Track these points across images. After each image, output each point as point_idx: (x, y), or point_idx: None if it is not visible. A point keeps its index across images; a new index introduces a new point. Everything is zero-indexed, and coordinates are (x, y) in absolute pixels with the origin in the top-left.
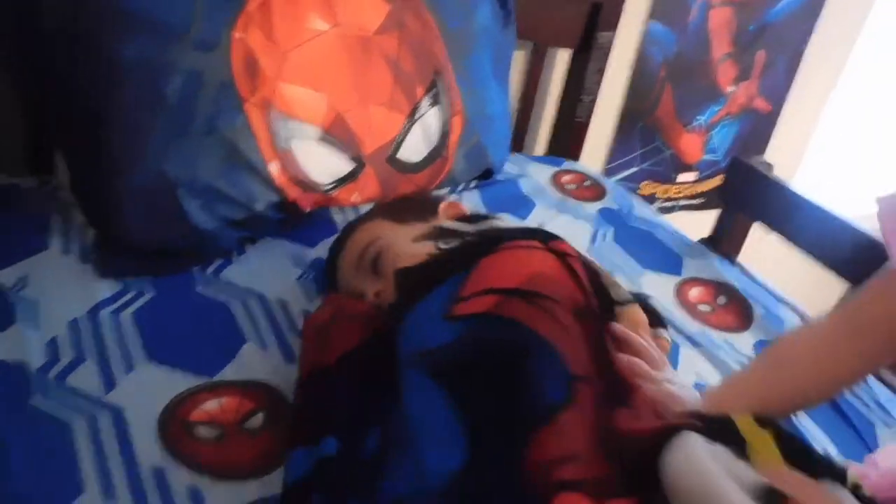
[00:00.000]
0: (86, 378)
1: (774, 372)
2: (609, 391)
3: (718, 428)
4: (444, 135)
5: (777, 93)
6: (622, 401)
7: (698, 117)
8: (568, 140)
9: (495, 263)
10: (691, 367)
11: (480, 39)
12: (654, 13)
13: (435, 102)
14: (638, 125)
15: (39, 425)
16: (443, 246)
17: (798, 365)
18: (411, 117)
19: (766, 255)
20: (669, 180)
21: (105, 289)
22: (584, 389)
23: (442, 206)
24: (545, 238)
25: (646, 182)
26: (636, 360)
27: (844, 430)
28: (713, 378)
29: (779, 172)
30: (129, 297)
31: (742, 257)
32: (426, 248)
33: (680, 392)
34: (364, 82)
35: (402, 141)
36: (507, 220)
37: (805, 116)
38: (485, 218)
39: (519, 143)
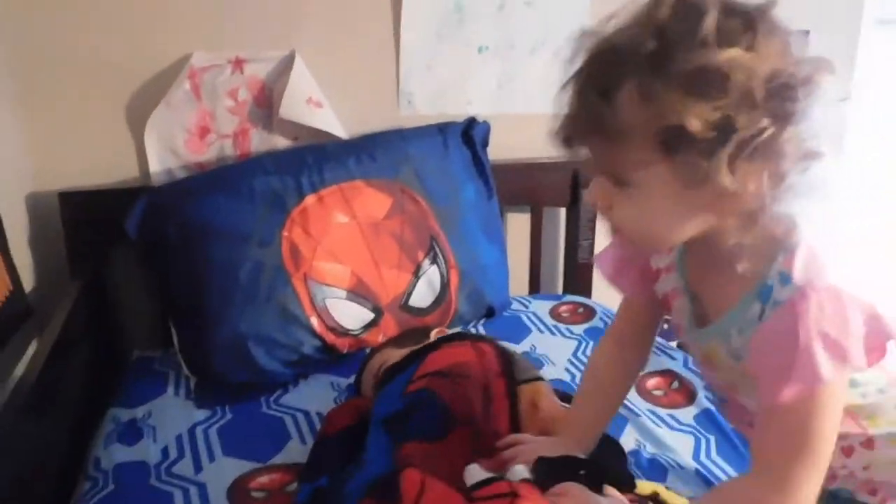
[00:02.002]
0: (183, 467)
1: (598, 386)
2: (484, 434)
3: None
4: (445, 285)
5: None
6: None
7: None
8: (578, 279)
9: (435, 356)
10: (632, 436)
11: (467, 211)
12: None
13: (433, 262)
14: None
15: (154, 496)
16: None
17: (608, 378)
18: (416, 274)
19: None
20: None
21: (200, 414)
22: (460, 430)
23: (433, 332)
24: (474, 339)
25: None
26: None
27: None
28: (649, 443)
29: None
30: (215, 419)
31: None
32: (403, 353)
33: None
34: (377, 253)
35: (411, 292)
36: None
37: None
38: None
39: (535, 285)
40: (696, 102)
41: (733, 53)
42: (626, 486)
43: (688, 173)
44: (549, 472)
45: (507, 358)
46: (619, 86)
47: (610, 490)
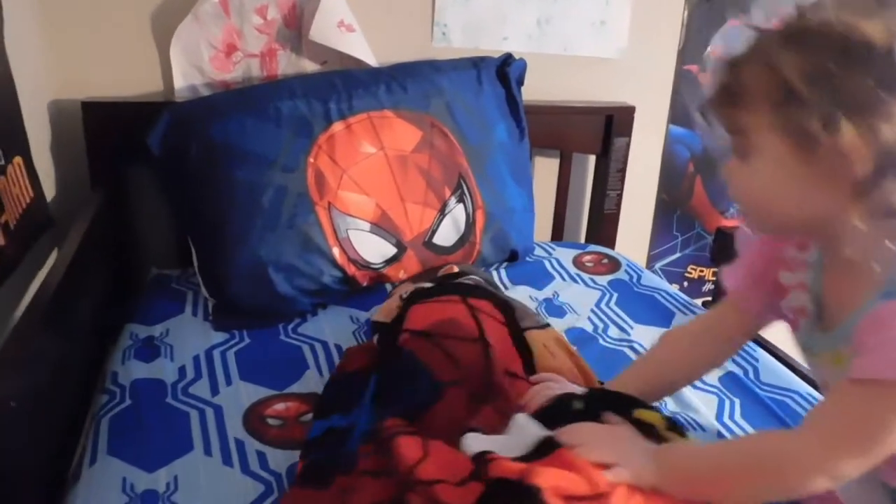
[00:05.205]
0: (200, 388)
1: (655, 364)
2: (486, 391)
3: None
4: (470, 225)
5: None
6: (494, 399)
7: (735, 205)
8: (603, 229)
9: (419, 311)
10: None
11: (497, 151)
12: (673, 118)
13: (460, 200)
14: (674, 215)
15: (170, 414)
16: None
17: (675, 357)
18: (441, 212)
19: None
20: None
21: (217, 337)
22: (452, 391)
23: (443, 270)
24: (467, 293)
25: (691, 266)
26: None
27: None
28: (670, 400)
29: None
30: (233, 342)
31: None
32: (395, 303)
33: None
34: (403, 187)
35: (435, 230)
36: (478, 278)
37: None
38: (458, 275)
39: (559, 232)
40: (795, 54)
41: (845, 17)
42: (623, 408)
43: (797, 135)
44: (550, 418)
45: (507, 307)
46: (749, 58)
47: (609, 416)
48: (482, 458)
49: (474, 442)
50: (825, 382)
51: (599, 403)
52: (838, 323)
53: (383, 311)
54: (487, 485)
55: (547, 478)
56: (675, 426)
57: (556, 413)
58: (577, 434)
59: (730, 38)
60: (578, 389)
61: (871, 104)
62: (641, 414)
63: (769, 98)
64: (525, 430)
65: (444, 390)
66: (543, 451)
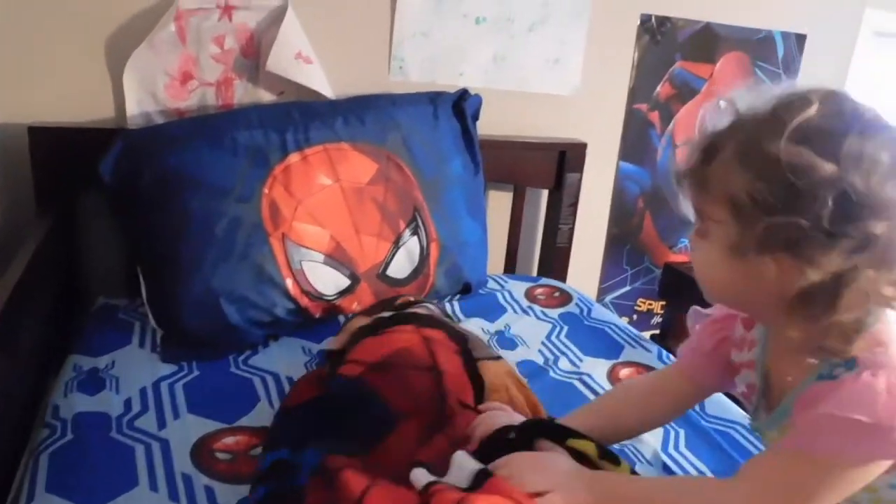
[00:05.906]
0: (146, 421)
1: (605, 412)
2: (439, 421)
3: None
4: (424, 257)
5: None
6: (445, 428)
7: (682, 240)
8: (554, 263)
9: (372, 343)
10: None
11: (452, 185)
12: (624, 155)
13: (414, 233)
14: (624, 249)
15: (114, 449)
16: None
17: (625, 409)
18: (396, 244)
19: None
20: None
21: (165, 369)
22: (405, 426)
23: (398, 301)
24: (422, 324)
25: (641, 299)
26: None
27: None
28: None
29: None
30: (181, 374)
31: None
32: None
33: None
34: (358, 219)
35: (389, 262)
36: (432, 308)
37: None
38: (411, 304)
39: (512, 265)
40: (748, 174)
41: (802, 152)
42: (557, 437)
43: (735, 243)
44: (488, 450)
45: (460, 337)
46: (716, 154)
47: (542, 444)
48: (428, 491)
49: (422, 477)
50: None
51: (532, 432)
52: (781, 401)
53: (337, 340)
54: None
55: None
56: (609, 454)
57: (493, 446)
58: (511, 464)
59: (715, 113)
60: (520, 420)
61: (802, 246)
62: (574, 443)
63: (722, 198)
64: (463, 466)
65: (398, 422)
66: (479, 482)
